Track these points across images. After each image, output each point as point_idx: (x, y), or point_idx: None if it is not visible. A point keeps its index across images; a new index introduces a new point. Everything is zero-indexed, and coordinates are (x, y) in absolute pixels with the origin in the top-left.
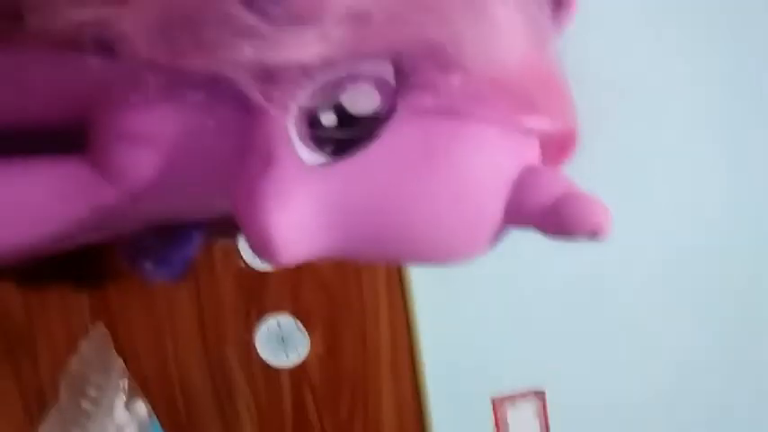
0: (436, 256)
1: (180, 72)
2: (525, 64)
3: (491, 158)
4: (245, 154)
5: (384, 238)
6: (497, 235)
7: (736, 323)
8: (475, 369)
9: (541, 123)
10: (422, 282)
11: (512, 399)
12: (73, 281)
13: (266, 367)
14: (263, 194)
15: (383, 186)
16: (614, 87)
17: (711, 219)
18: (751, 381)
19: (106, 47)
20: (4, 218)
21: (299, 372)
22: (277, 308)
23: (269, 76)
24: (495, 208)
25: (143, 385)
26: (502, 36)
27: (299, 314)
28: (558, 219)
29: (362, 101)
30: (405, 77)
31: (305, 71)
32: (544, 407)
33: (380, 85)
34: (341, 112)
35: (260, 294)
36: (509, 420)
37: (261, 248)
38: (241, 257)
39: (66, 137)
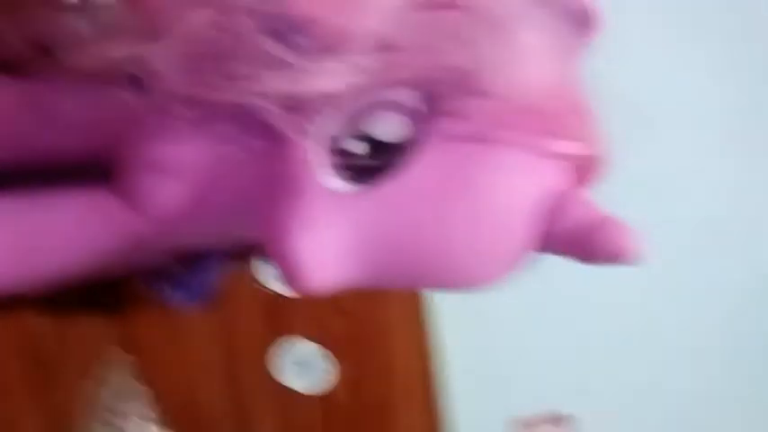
0: (464, 282)
1: (209, 104)
2: (551, 87)
3: (520, 184)
4: (274, 183)
5: (413, 265)
6: (526, 261)
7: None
8: (499, 394)
9: (569, 147)
10: (445, 306)
11: (535, 423)
12: (99, 309)
13: (290, 393)
14: (291, 224)
15: (412, 214)
16: (638, 106)
17: (739, 240)
18: None
19: (136, 80)
20: (35, 248)
21: (322, 398)
22: (300, 334)
23: (297, 105)
24: (524, 234)
25: (167, 412)
26: (528, 61)
27: (322, 340)
28: (587, 244)
29: (390, 128)
30: (432, 104)
31: (332, 100)
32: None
33: (408, 112)
34: (369, 139)
35: (283, 320)
36: None
37: (290, 278)
38: (263, 283)
39: (94, 167)
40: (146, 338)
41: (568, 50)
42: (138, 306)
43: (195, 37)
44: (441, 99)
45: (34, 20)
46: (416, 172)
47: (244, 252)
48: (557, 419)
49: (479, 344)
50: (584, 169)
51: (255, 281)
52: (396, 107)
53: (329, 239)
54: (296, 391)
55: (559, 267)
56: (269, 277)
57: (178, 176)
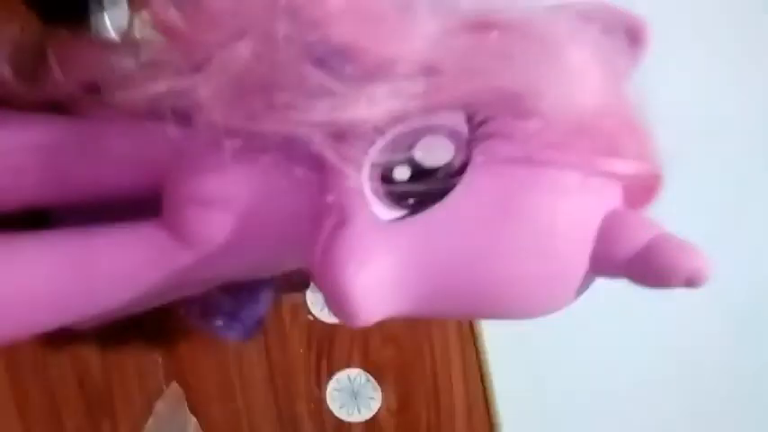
0: (518, 311)
1: (254, 135)
2: (603, 106)
3: (573, 206)
4: (320, 213)
5: (463, 294)
6: (583, 285)
7: None
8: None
9: (623, 167)
10: (494, 333)
11: None
12: (147, 340)
13: (338, 422)
14: (339, 254)
15: (461, 241)
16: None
17: None
18: None
19: (181, 114)
20: (88, 283)
21: (370, 427)
22: (347, 362)
23: (342, 133)
24: (580, 258)
25: None
26: (578, 80)
27: (369, 368)
28: (648, 266)
29: (436, 153)
30: (479, 127)
31: (378, 127)
32: None
33: (454, 135)
34: (415, 165)
35: (330, 349)
36: None
37: (339, 309)
38: (309, 312)
39: (142, 201)
40: (194, 369)
41: (618, 67)
42: (186, 337)
43: (238, 68)
44: (488, 122)
45: (81, 60)
46: (465, 197)
47: (291, 282)
48: None
49: (528, 372)
50: (640, 188)
51: (302, 310)
52: (442, 132)
53: (379, 270)
54: (345, 419)
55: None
56: (316, 306)
57: (224, 209)
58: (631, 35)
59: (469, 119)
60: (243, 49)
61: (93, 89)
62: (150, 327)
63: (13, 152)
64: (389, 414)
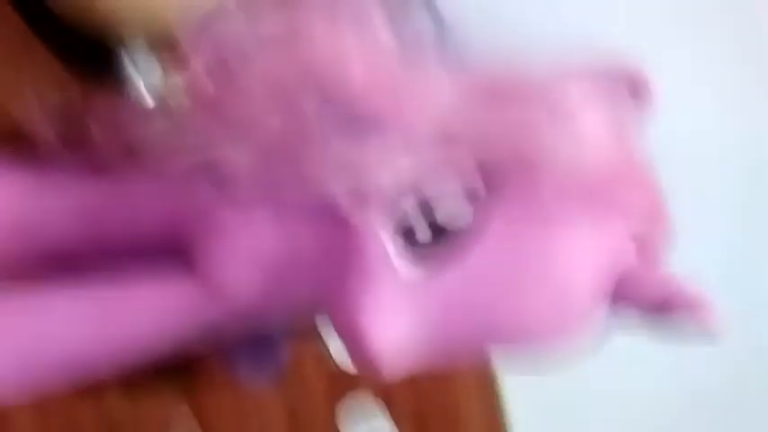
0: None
1: (282, 199)
2: (612, 162)
3: (587, 262)
4: (344, 271)
5: (482, 345)
6: (600, 336)
7: None
8: None
9: (633, 223)
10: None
11: None
12: (170, 384)
13: None
14: (363, 311)
15: (481, 297)
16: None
17: None
18: None
19: (214, 177)
20: (116, 335)
21: None
22: (368, 406)
23: (365, 197)
24: (595, 311)
25: None
26: (587, 140)
27: (389, 412)
28: (665, 321)
29: (455, 213)
30: (494, 188)
31: (399, 191)
32: None
33: (471, 197)
34: (435, 226)
35: (349, 392)
36: None
37: (363, 363)
38: (330, 358)
39: (170, 255)
40: (215, 413)
41: (626, 126)
42: (208, 381)
43: (270, 140)
44: (503, 183)
45: (116, 123)
46: (481, 255)
47: (313, 330)
48: None
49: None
50: (652, 243)
51: (324, 358)
52: (458, 193)
53: (400, 325)
54: None
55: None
56: (335, 354)
57: (252, 264)
58: (637, 91)
59: (486, 181)
60: (274, 123)
61: (129, 150)
62: (175, 375)
63: (54, 208)
64: None
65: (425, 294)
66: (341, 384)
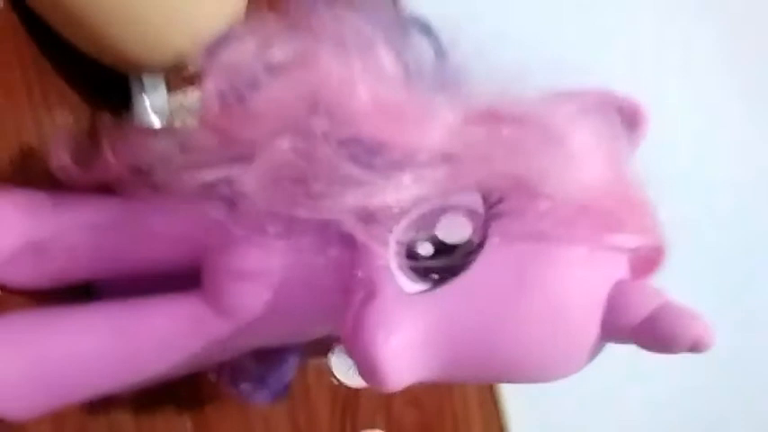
0: (535, 375)
1: (292, 219)
2: (605, 186)
3: (582, 279)
4: (351, 287)
5: (483, 360)
6: (594, 351)
7: None
8: None
9: (627, 241)
10: (514, 395)
11: None
12: (176, 406)
13: None
14: (369, 325)
15: (480, 311)
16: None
17: None
18: None
19: (223, 197)
20: (131, 352)
21: None
22: (371, 425)
23: (370, 215)
24: (590, 326)
25: None
26: (581, 163)
27: (393, 430)
28: (654, 334)
29: (456, 231)
30: (494, 207)
31: (403, 209)
32: None
33: (472, 215)
34: (437, 242)
35: (353, 412)
36: None
37: (370, 375)
38: (333, 375)
39: (181, 274)
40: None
41: (618, 148)
42: (214, 402)
43: (279, 161)
44: (501, 202)
45: (127, 145)
46: (482, 271)
47: (317, 347)
48: None
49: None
50: (644, 259)
51: (327, 375)
52: (460, 212)
53: (406, 338)
54: None
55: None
56: (340, 371)
57: (261, 283)
58: (630, 118)
59: (485, 200)
60: (284, 145)
61: (139, 172)
62: (180, 392)
63: (70, 232)
64: None
65: (428, 307)
66: (346, 401)
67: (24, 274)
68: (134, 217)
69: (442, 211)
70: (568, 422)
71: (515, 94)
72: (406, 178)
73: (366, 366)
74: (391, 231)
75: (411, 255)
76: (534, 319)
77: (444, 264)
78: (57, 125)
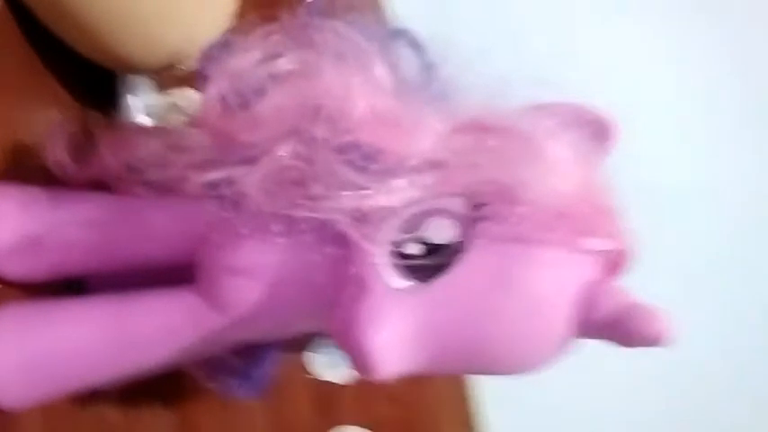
0: (511, 368)
1: (289, 219)
2: (580, 192)
3: (558, 278)
4: (343, 283)
5: (466, 353)
6: (566, 346)
7: None
8: None
9: (598, 244)
10: (489, 390)
11: None
12: (160, 399)
13: None
14: (360, 318)
15: (463, 307)
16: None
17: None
18: None
19: (221, 196)
20: (124, 346)
21: None
22: (349, 420)
23: (364, 216)
24: (563, 323)
25: None
26: (558, 173)
27: (371, 426)
28: (620, 330)
29: (442, 232)
30: (477, 210)
31: (394, 211)
32: None
33: (456, 217)
34: (424, 242)
35: (332, 407)
36: None
37: (360, 367)
38: (314, 372)
39: (174, 269)
40: (203, 426)
41: (592, 158)
42: (196, 395)
43: (281, 165)
44: (484, 206)
45: (119, 142)
46: (466, 270)
47: (298, 343)
48: None
49: (525, 428)
50: (613, 262)
51: (306, 370)
52: (446, 214)
53: (395, 332)
54: None
55: (597, 352)
56: (319, 366)
57: (256, 279)
58: (602, 132)
59: (469, 203)
60: (286, 149)
61: (135, 170)
62: (165, 386)
63: (66, 227)
64: None
65: (416, 303)
66: (324, 396)
67: (18, 268)
68: (130, 213)
69: (430, 213)
70: (540, 415)
71: (500, 107)
72: (398, 183)
73: (357, 358)
74: (383, 232)
75: (400, 254)
76: (513, 315)
77: (431, 263)
78: (50, 122)
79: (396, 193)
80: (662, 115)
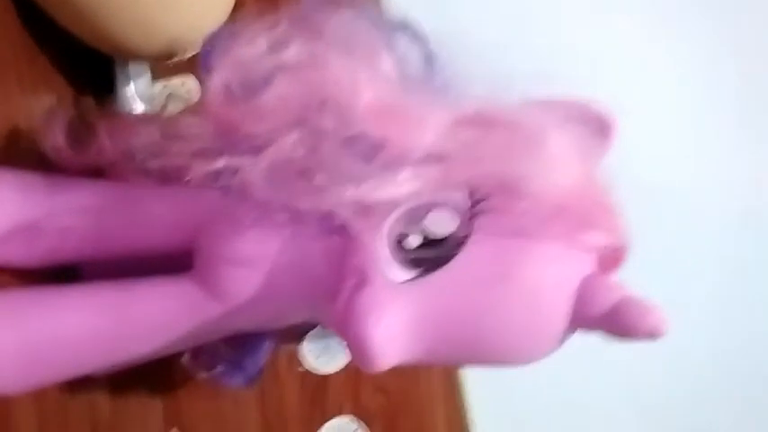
0: (508, 360)
1: (293, 208)
2: (579, 187)
3: (556, 272)
4: (342, 274)
5: (463, 345)
6: (563, 339)
7: None
8: None
9: (597, 238)
10: (476, 381)
11: None
12: (150, 387)
13: None
14: (360, 309)
15: (463, 299)
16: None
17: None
18: None
19: (227, 185)
20: (121, 334)
21: None
22: (339, 410)
23: (366, 208)
24: (560, 316)
25: None
26: (559, 167)
27: (360, 416)
28: (616, 323)
29: (443, 224)
30: (478, 204)
31: (396, 203)
32: None
33: (458, 210)
34: (425, 235)
35: (322, 397)
36: None
37: (360, 356)
38: (302, 363)
39: (170, 257)
40: (193, 415)
41: (592, 154)
42: (186, 384)
43: (286, 155)
44: (486, 200)
45: (118, 130)
46: (466, 263)
47: (289, 333)
48: None
49: (512, 420)
50: (610, 256)
51: (299, 361)
52: (448, 207)
53: (395, 323)
54: None
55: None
56: (310, 358)
57: (255, 268)
58: (602, 129)
59: (471, 196)
60: (291, 139)
61: (133, 157)
62: (154, 375)
63: (62, 214)
64: None
65: (415, 294)
66: (315, 386)
67: (14, 254)
68: (127, 201)
69: (431, 205)
70: (527, 406)
71: (502, 101)
72: (402, 175)
73: (356, 347)
74: (383, 222)
75: (401, 246)
76: (511, 307)
77: (431, 255)
78: (47, 109)
79: (399, 185)
80: (664, 110)
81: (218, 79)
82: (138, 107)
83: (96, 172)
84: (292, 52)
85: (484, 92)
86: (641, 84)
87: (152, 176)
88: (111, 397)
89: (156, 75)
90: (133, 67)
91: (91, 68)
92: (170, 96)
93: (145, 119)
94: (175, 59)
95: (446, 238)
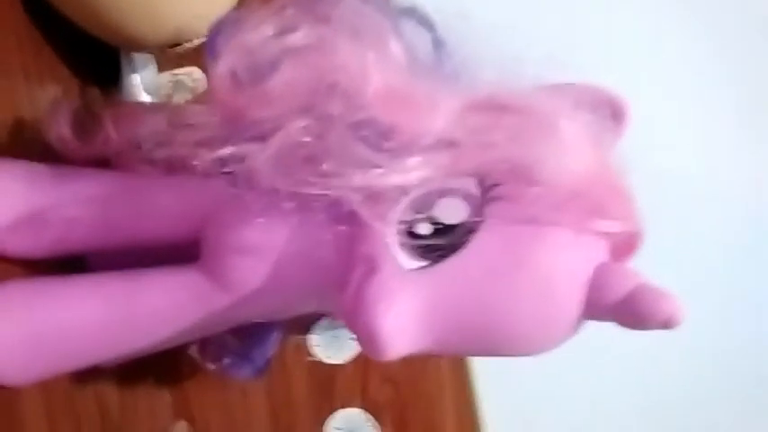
0: (522, 348)
1: (301, 196)
2: (592, 173)
3: (569, 259)
4: (353, 262)
5: (474, 334)
6: (576, 327)
7: None
8: None
9: (611, 226)
10: (485, 372)
11: None
12: (157, 379)
13: None
14: (369, 298)
15: (474, 288)
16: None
17: None
18: None
19: (234, 173)
20: (128, 324)
21: None
22: (347, 402)
23: (375, 195)
24: (573, 304)
25: None
26: (571, 152)
27: (368, 407)
28: (631, 312)
29: (453, 212)
30: (489, 191)
31: (405, 190)
32: None
33: (468, 198)
34: (435, 222)
35: (330, 389)
36: None
37: (369, 345)
38: (310, 353)
39: (176, 247)
40: (201, 407)
41: (604, 139)
42: (194, 376)
43: (293, 141)
44: (496, 187)
45: (124, 120)
46: (477, 251)
47: (297, 324)
48: None
49: (521, 411)
50: (624, 243)
51: (307, 352)
52: (458, 194)
53: (403, 311)
54: None
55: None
56: (319, 348)
57: (262, 257)
58: (615, 112)
59: (481, 183)
60: (298, 125)
61: (139, 147)
62: (162, 366)
63: (68, 204)
64: None
65: (425, 283)
66: (323, 378)
67: (20, 244)
68: (133, 191)
69: (442, 193)
70: (536, 398)
71: (514, 86)
72: (412, 161)
73: (366, 336)
74: (393, 210)
75: (411, 233)
76: (523, 296)
77: (442, 243)
78: (53, 99)
79: (409, 172)
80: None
81: (224, 65)
82: (144, 98)
83: (102, 162)
84: (299, 37)
85: (494, 77)
86: (653, 68)
87: (158, 166)
88: (119, 388)
89: (163, 65)
90: (140, 57)
91: (96, 59)
92: (176, 86)
93: (151, 108)
94: (181, 49)
95: (457, 225)
